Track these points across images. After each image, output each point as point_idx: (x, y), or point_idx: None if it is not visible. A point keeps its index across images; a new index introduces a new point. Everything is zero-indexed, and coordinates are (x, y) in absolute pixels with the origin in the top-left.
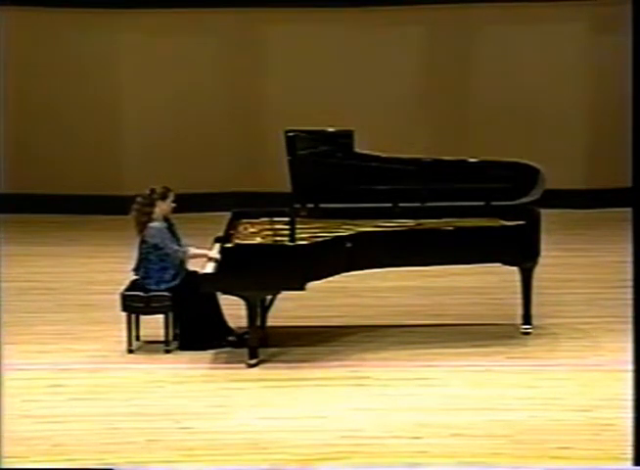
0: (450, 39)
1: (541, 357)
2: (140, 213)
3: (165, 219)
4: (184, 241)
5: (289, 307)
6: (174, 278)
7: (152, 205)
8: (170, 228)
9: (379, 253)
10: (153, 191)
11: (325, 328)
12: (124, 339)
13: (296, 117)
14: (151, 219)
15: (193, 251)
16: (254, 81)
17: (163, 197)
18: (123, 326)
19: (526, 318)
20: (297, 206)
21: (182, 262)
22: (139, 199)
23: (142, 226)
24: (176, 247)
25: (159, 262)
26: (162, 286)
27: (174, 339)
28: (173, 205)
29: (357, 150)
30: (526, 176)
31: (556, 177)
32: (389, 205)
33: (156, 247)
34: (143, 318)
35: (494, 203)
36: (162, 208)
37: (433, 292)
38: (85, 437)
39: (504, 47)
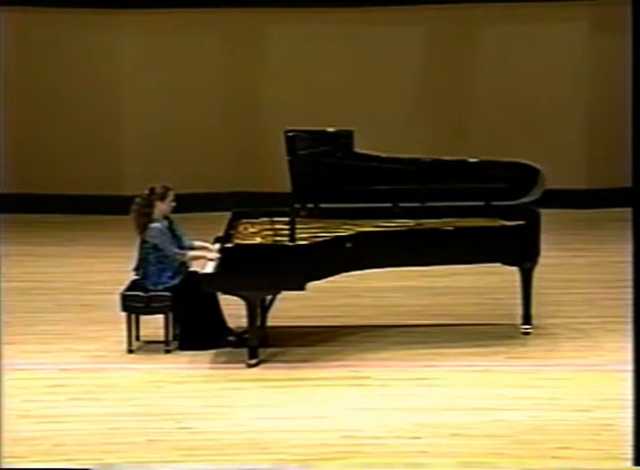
0: (450, 39)
1: (541, 357)
2: (139, 215)
3: (166, 218)
4: (187, 237)
5: (289, 307)
6: (172, 279)
7: (150, 205)
8: (171, 227)
9: (379, 253)
10: (152, 191)
11: (325, 328)
12: (124, 339)
13: (295, 117)
14: (151, 220)
15: (191, 254)
16: (254, 81)
17: (162, 197)
18: (123, 326)
19: (526, 318)
20: (297, 206)
21: (182, 264)
22: (138, 200)
23: (142, 227)
24: (175, 250)
25: (157, 264)
26: (160, 287)
27: (174, 339)
28: (173, 204)
29: (357, 150)
30: (526, 176)
31: (556, 177)
32: (389, 205)
33: (156, 248)
34: (143, 318)
35: (494, 203)
36: (161, 208)
37: (433, 292)
38: (85, 437)
39: (504, 47)
